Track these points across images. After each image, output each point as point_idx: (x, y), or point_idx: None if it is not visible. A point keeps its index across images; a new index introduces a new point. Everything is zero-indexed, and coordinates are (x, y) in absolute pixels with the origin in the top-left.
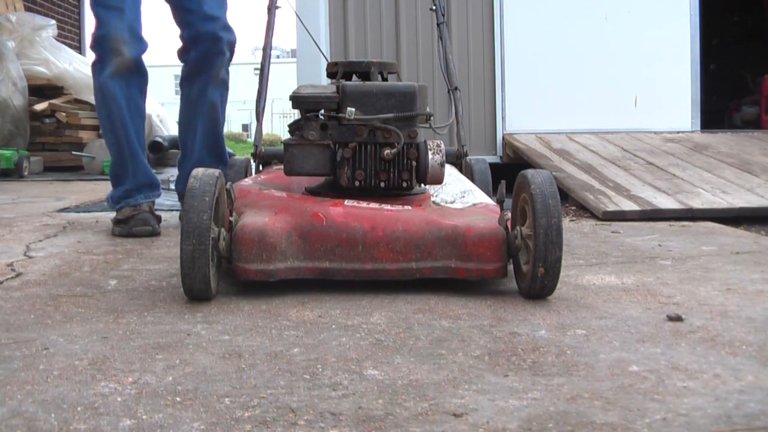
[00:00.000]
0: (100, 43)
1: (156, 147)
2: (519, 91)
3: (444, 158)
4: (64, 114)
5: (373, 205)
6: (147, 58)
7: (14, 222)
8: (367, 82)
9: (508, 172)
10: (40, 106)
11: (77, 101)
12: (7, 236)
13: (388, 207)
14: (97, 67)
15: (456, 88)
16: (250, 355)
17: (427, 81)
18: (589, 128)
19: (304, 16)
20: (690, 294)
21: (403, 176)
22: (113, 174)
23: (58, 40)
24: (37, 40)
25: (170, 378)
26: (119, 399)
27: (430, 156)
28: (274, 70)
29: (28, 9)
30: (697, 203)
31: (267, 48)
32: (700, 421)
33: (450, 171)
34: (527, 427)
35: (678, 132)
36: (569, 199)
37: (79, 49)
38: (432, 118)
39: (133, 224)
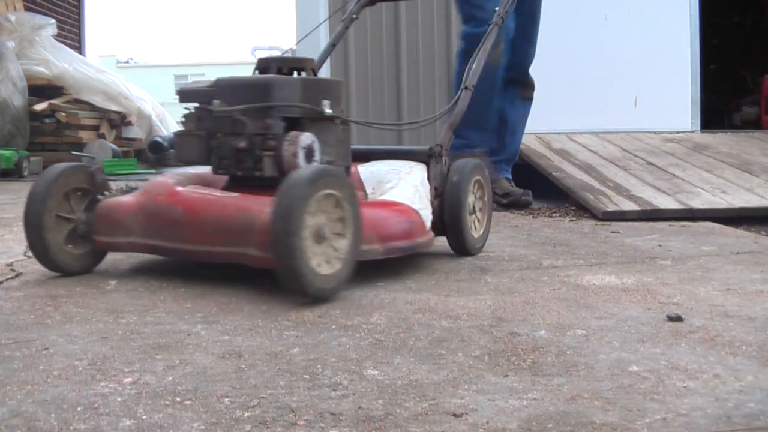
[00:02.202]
0: None
1: (156, 147)
2: None
3: (298, 149)
4: (64, 114)
5: (217, 192)
6: (147, 58)
7: (14, 222)
8: (239, 75)
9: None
10: (40, 106)
11: (77, 101)
12: (7, 236)
13: (231, 194)
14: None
15: (466, 88)
16: (250, 355)
17: (427, 81)
18: (589, 128)
19: (304, 16)
20: (690, 294)
21: (257, 166)
22: None
23: (58, 40)
24: (37, 40)
25: (170, 378)
26: (119, 399)
27: (284, 147)
28: None
29: (28, 9)
30: (697, 203)
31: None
32: (700, 421)
33: (402, 169)
34: (527, 427)
35: (678, 132)
36: (569, 199)
37: (79, 49)
38: (342, 113)
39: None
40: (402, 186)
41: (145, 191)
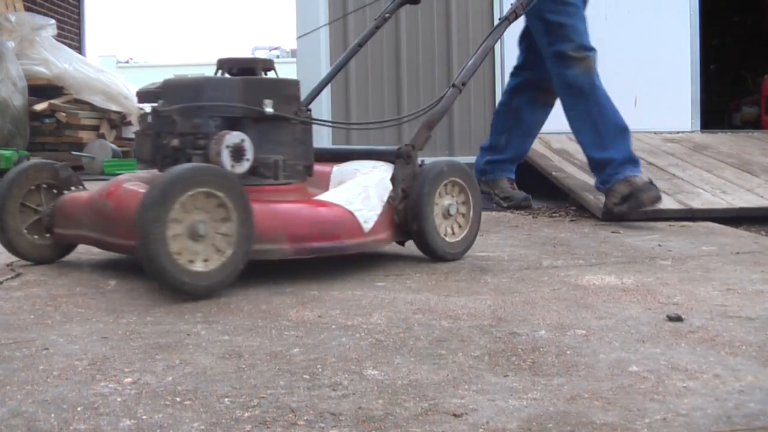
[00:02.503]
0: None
1: None
2: None
3: (222, 149)
4: (64, 114)
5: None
6: (147, 58)
7: None
8: (183, 77)
9: None
10: (40, 106)
11: (77, 101)
12: None
13: None
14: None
15: (453, 85)
16: (250, 355)
17: (427, 81)
18: None
19: (304, 15)
20: (690, 294)
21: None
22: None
23: (57, 40)
24: (36, 40)
25: (170, 378)
26: (119, 399)
27: (210, 146)
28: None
29: (28, 9)
30: (697, 203)
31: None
32: (700, 421)
33: (362, 169)
34: (527, 427)
35: (678, 132)
36: (569, 199)
37: (79, 49)
38: (298, 112)
39: (640, 195)
40: (348, 185)
41: (99, 188)
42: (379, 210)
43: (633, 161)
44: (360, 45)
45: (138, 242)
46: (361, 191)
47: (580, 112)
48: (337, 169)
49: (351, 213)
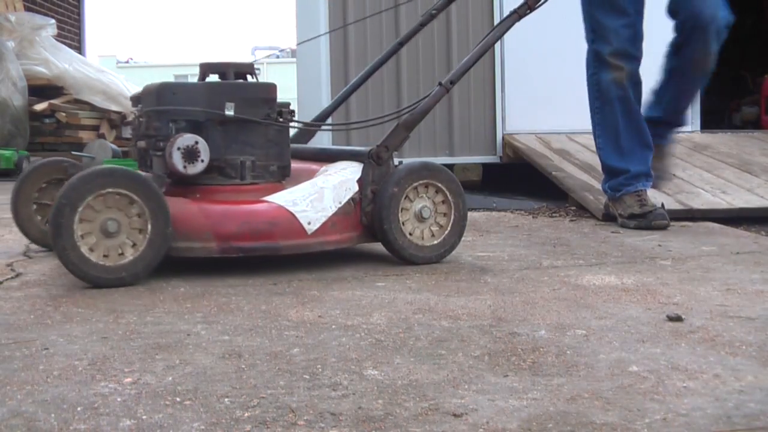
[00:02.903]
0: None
1: None
2: (519, 91)
3: (173, 150)
4: (64, 114)
5: None
6: (147, 58)
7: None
8: (157, 82)
9: (508, 172)
10: (40, 106)
11: (77, 101)
12: (7, 236)
13: None
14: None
15: (440, 84)
16: (250, 355)
17: (427, 82)
18: (589, 128)
19: (303, 16)
20: (690, 294)
21: (154, 166)
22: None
23: (57, 40)
24: (36, 40)
25: (170, 378)
26: (119, 399)
27: (165, 148)
28: (274, 70)
29: (28, 9)
30: (697, 203)
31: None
32: (700, 421)
33: (330, 169)
34: (527, 427)
35: (678, 132)
36: (569, 199)
37: (79, 49)
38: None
39: (652, 218)
40: (302, 186)
41: None
42: (330, 211)
43: (647, 175)
44: (401, 44)
45: (66, 269)
46: (313, 192)
47: (605, 119)
48: (323, 169)
49: (292, 213)
